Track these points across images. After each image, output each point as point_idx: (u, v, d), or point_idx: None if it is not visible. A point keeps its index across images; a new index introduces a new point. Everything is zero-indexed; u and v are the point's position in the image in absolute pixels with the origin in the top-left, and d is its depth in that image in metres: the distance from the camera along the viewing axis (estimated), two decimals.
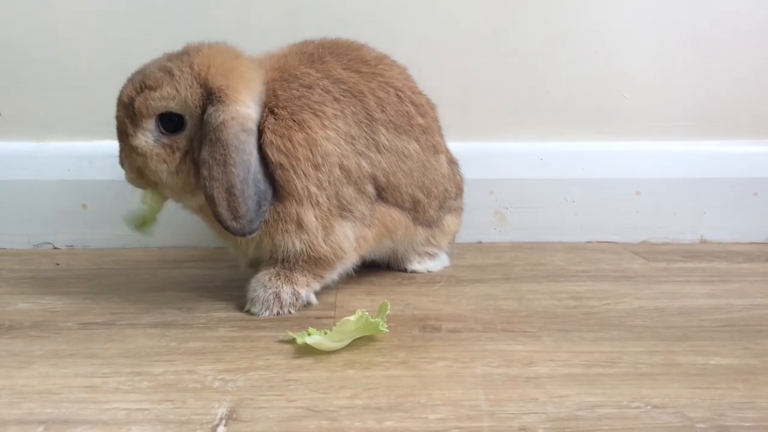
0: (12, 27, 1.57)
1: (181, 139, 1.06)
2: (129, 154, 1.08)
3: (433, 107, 1.32)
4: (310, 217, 1.08)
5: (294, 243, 1.09)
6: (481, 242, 1.67)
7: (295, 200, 1.07)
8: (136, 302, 1.16)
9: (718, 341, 0.97)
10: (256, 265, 1.17)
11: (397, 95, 1.21)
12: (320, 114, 1.09)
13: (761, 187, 1.66)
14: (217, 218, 1.03)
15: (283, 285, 1.10)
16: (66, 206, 1.58)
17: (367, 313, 0.95)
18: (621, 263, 1.45)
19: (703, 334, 1.00)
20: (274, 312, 1.08)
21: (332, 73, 1.15)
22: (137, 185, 1.12)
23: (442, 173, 1.30)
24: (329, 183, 1.08)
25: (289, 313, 1.09)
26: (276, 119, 1.07)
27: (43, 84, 1.60)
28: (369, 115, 1.15)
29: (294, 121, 1.07)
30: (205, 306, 1.14)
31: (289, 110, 1.07)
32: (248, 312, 1.09)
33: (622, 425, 0.72)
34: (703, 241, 1.67)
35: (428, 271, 1.36)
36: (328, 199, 1.09)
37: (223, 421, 0.72)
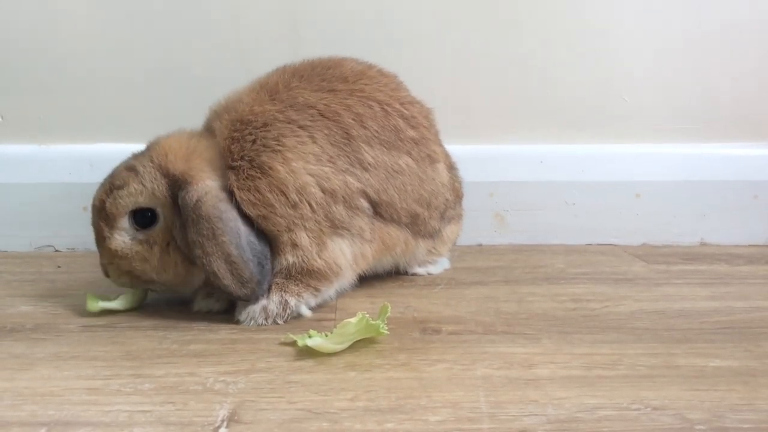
0: (13, 30, 1.58)
1: (156, 233, 1.07)
2: (111, 260, 1.09)
3: (426, 115, 1.29)
4: (302, 237, 1.07)
5: (287, 258, 1.08)
6: (481, 245, 1.67)
7: (285, 231, 1.07)
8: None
9: (718, 343, 0.97)
10: None
11: (383, 109, 1.18)
12: (279, 148, 1.07)
13: (761, 190, 1.66)
14: (225, 291, 1.04)
15: (273, 294, 1.08)
16: (67, 209, 1.58)
17: (367, 315, 0.95)
18: (621, 266, 1.45)
19: (702, 337, 1.00)
20: (259, 323, 1.06)
21: (298, 100, 1.12)
22: (135, 288, 1.13)
23: (442, 182, 1.27)
24: (313, 210, 1.07)
25: (275, 323, 1.07)
26: (237, 174, 1.06)
27: (44, 87, 1.60)
28: (347, 133, 1.12)
29: (254, 167, 1.06)
30: None
31: (247, 159, 1.06)
32: (237, 321, 1.07)
33: (622, 427, 0.72)
34: (703, 244, 1.67)
35: (429, 274, 1.36)
36: (317, 223, 1.08)
37: (225, 423, 0.73)
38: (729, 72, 1.66)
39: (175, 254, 1.07)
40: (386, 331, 0.96)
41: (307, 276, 1.10)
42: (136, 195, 1.06)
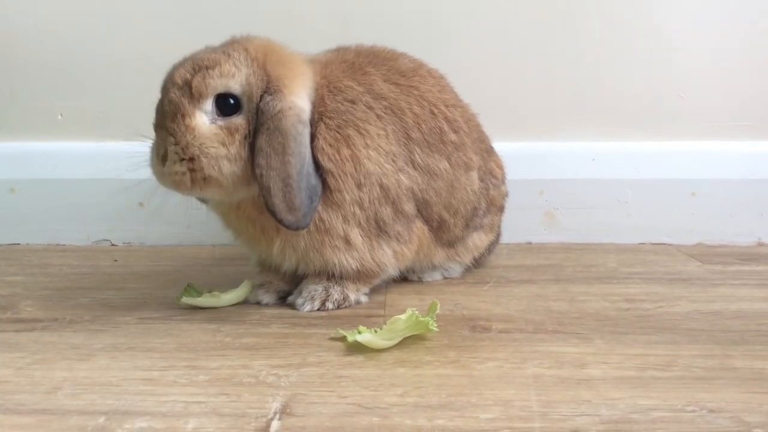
0: (71, 30, 1.62)
1: (238, 121, 1.02)
2: (182, 138, 1.00)
3: (468, 120, 1.26)
4: (356, 235, 1.09)
5: (348, 260, 1.10)
6: (530, 243, 1.66)
7: (342, 216, 1.08)
8: None
9: None
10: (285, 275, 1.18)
11: (431, 111, 1.18)
12: (363, 132, 1.08)
13: None
14: (271, 209, 1.00)
15: (335, 286, 1.13)
16: (124, 204, 1.62)
17: (417, 312, 0.96)
18: (675, 265, 1.42)
19: (760, 338, 0.97)
20: (316, 306, 1.11)
21: (374, 88, 1.13)
22: (180, 187, 1.03)
23: (473, 190, 1.25)
24: (369, 202, 1.09)
25: (327, 309, 1.12)
26: (327, 128, 1.07)
27: (101, 86, 1.65)
28: (407, 134, 1.14)
29: (340, 135, 1.07)
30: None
31: (336, 122, 1.07)
32: (291, 304, 1.13)
33: (677, 429, 0.71)
34: (760, 244, 1.63)
35: (444, 278, 1.33)
36: (367, 221, 1.10)
37: (277, 415, 0.74)
38: None
39: (248, 151, 1.02)
40: (436, 328, 0.96)
41: (363, 275, 1.14)
42: (228, 77, 1.00)
